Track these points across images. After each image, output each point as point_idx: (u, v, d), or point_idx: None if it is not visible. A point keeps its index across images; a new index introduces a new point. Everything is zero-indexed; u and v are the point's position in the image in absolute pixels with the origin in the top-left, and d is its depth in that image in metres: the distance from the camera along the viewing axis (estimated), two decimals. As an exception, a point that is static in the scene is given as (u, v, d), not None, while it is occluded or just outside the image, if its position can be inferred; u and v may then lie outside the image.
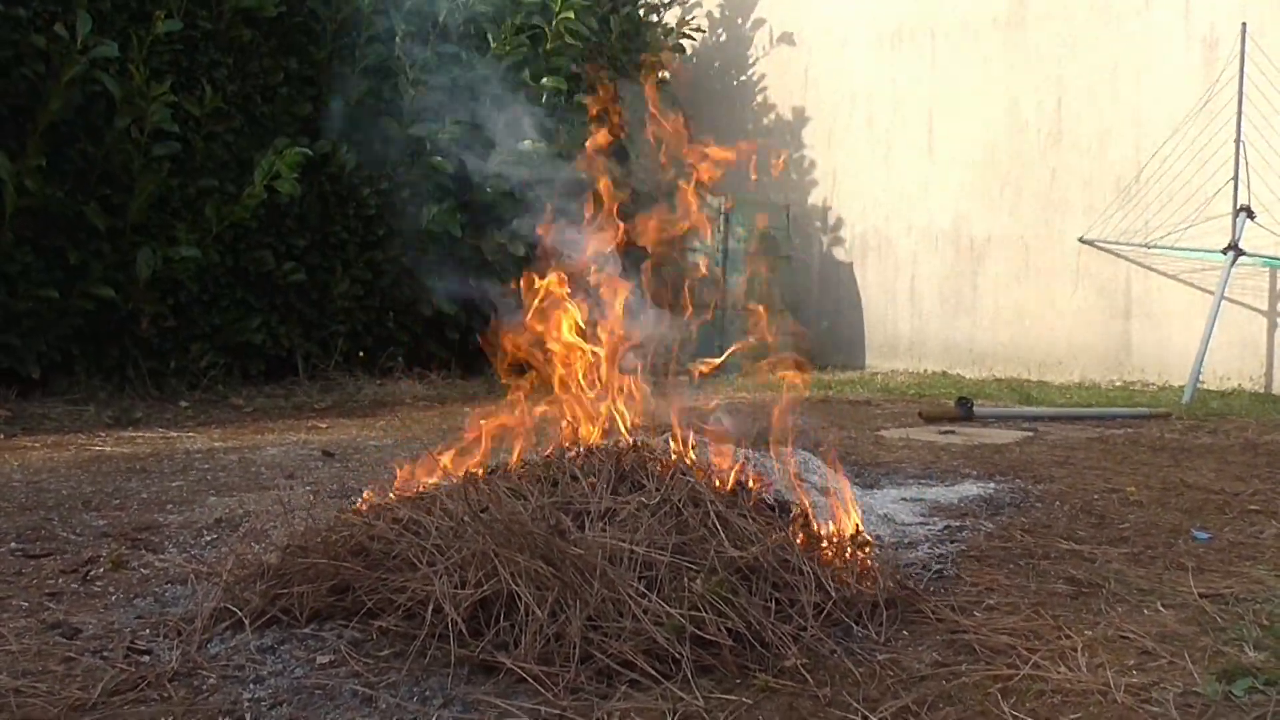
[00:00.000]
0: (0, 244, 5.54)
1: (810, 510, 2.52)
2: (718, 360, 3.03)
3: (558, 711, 1.84)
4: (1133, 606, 2.43)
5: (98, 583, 2.60)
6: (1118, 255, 8.01)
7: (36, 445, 4.67)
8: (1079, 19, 8.17)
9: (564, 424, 2.84)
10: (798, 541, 2.37)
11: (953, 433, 5.38)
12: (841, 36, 9.41)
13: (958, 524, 3.26)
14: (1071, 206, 8.19)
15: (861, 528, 2.58)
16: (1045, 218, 8.35)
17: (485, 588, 2.10)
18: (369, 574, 2.23)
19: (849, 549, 2.42)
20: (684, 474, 2.47)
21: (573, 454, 2.61)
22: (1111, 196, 7.96)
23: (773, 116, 9.88)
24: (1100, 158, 8.09)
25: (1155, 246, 7.72)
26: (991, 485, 3.94)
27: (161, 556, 2.85)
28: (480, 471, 2.59)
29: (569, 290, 2.82)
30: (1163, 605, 2.43)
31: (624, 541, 2.18)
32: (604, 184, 2.90)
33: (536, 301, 2.80)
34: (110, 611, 2.38)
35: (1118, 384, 7.88)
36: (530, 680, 1.93)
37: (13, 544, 2.97)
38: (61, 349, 5.96)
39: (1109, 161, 8.04)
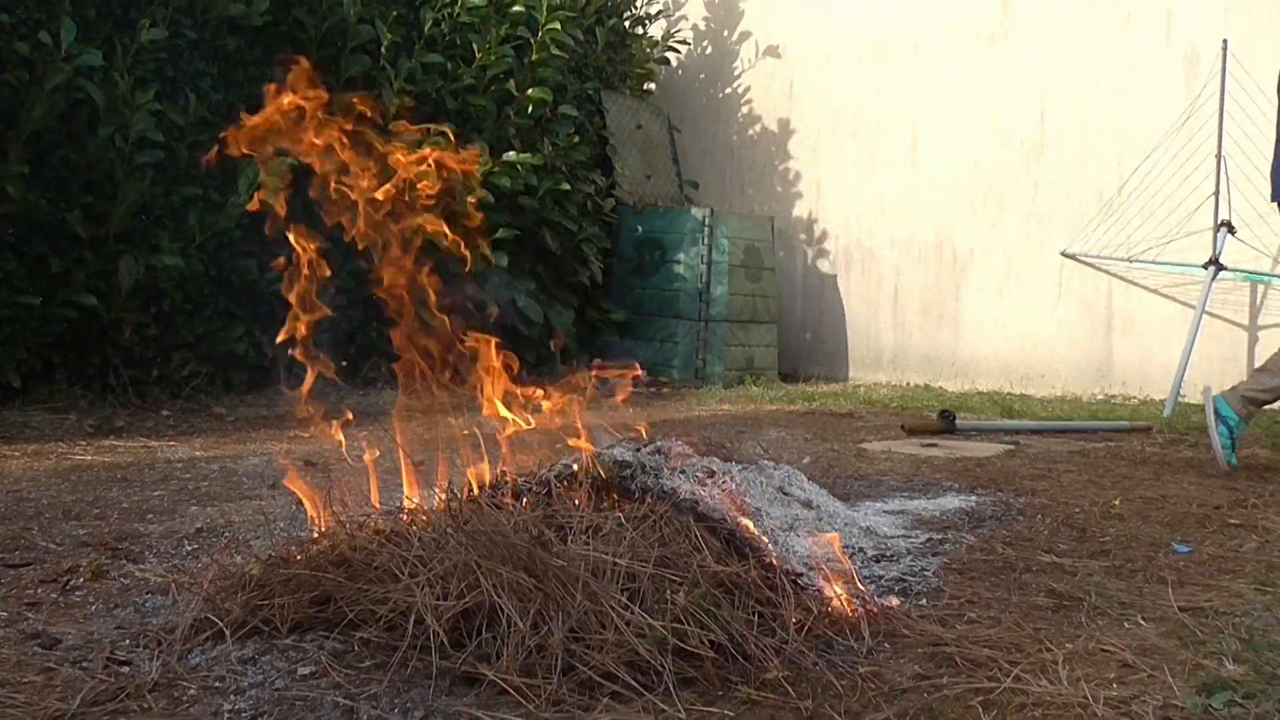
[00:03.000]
0: (-18, 251, 5.52)
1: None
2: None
3: (539, 723, 1.84)
4: (1113, 619, 2.44)
5: (77, 593, 2.59)
6: (1100, 269, 8.05)
7: (16, 454, 4.65)
8: (1061, 35, 8.21)
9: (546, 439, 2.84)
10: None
11: (935, 445, 5.39)
12: (826, 50, 9.44)
13: (939, 537, 3.27)
14: (1054, 220, 8.23)
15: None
16: (1028, 231, 8.38)
17: (467, 599, 2.10)
18: (350, 585, 2.23)
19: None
20: (665, 491, 2.47)
21: (556, 470, 2.61)
22: (1094, 210, 7.99)
23: (758, 129, 9.90)
24: (1083, 172, 8.12)
25: (1137, 261, 7.76)
26: (973, 498, 3.95)
27: (142, 566, 2.84)
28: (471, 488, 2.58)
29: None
30: (1143, 618, 2.44)
31: (607, 554, 2.18)
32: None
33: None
34: (90, 622, 2.37)
35: (1099, 397, 7.90)
36: (512, 692, 1.92)
37: (-8, 553, 2.95)
38: (42, 357, 5.93)
39: (1091, 175, 8.08)
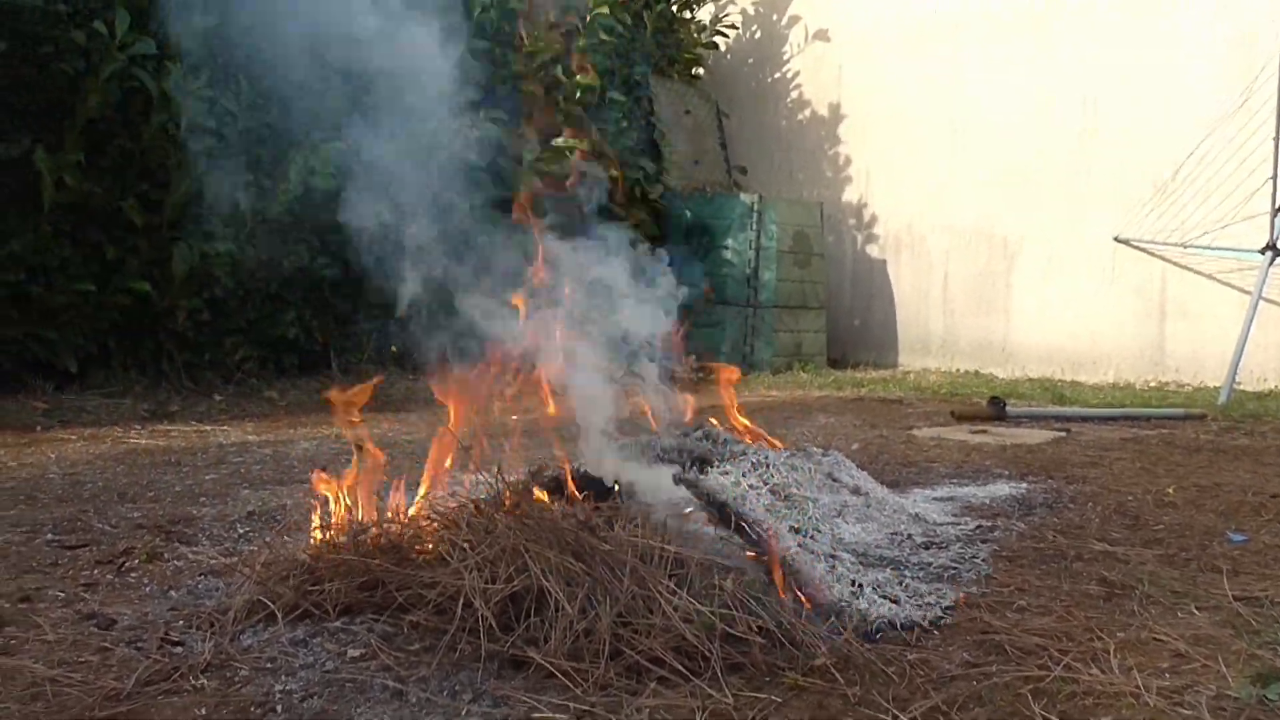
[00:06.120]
0: (39, 238, 5.59)
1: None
2: None
3: (587, 708, 1.84)
4: (1166, 608, 2.41)
5: (132, 574, 2.63)
6: (1153, 254, 7.94)
7: (73, 438, 4.71)
8: (1110, 16, 8.10)
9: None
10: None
11: (985, 432, 5.35)
12: (875, 34, 9.37)
13: (989, 524, 3.24)
14: (1105, 205, 8.12)
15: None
16: (1078, 216, 8.28)
17: (515, 583, 2.11)
18: (399, 570, 2.24)
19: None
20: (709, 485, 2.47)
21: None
22: (1146, 195, 7.89)
23: (807, 114, 9.85)
24: (1133, 156, 8.01)
25: (1191, 246, 7.66)
26: (1024, 485, 3.91)
27: (195, 549, 2.87)
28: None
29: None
30: (1196, 608, 2.41)
31: (655, 540, 2.19)
32: None
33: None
34: (145, 603, 2.40)
35: (1152, 384, 7.81)
36: (560, 676, 1.93)
37: (49, 535, 3.00)
38: (98, 342, 6.01)
39: (1143, 160, 7.96)
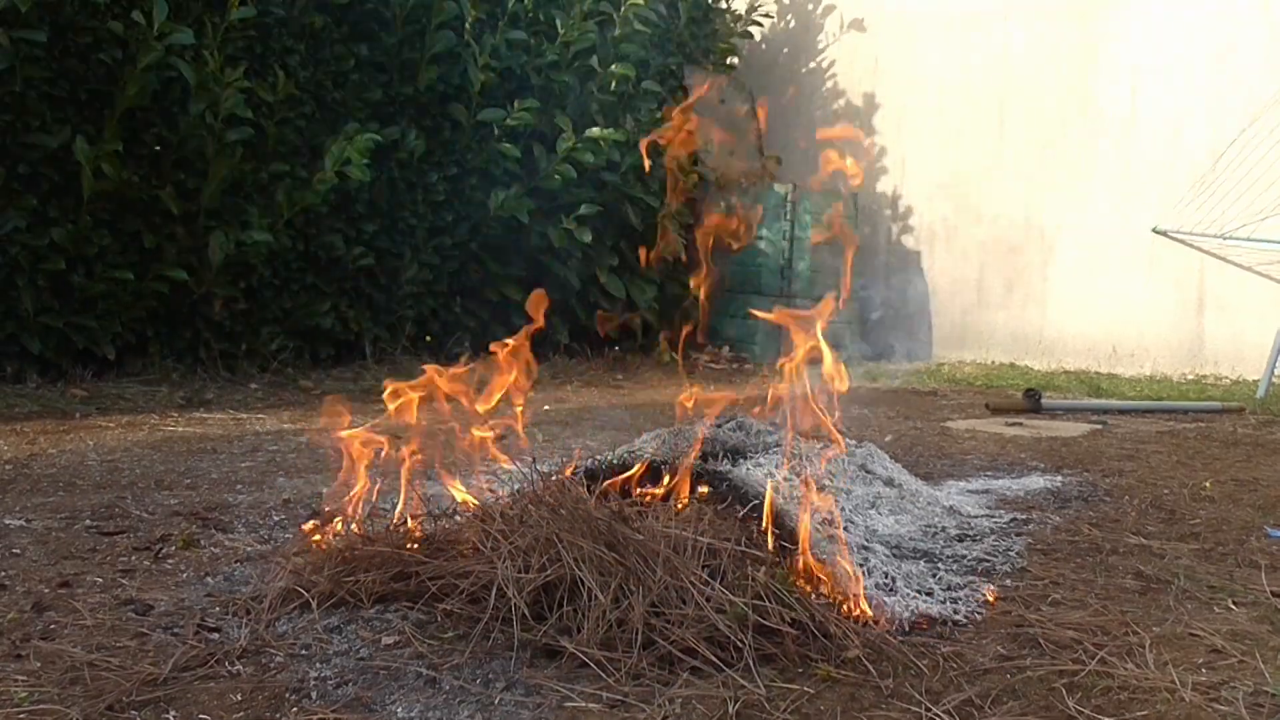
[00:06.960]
0: (78, 226, 5.64)
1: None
2: None
3: (619, 697, 1.85)
4: (1202, 603, 2.39)
5: (169, 561, 2.66)
6: (1192, 246, 7.87)
7: (111, 425, 4.76)
8: (1154, 5, 8.02)
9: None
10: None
11: (1020, 425, 5.33)
12: (912, 22, 9.31)
13: (1024, 517, 3.23)
14: (1145, 196, 8.05)
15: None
16: (1117, 207, 8.21)
17: (549, 572, 2.11)
18: (432, 560, 2.26)
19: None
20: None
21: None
22: (1186, 186, 7.81)
23: (842, 103, 9.80)
24: (1175, 146, 7.94)
25: (1231, 238, 7.58)
26: (1059, 478, 3.89)
27: (231, 536, 2.90)
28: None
29: None
30: (1234, 603, 2.39)
31: (687, 531, 2.19)
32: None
33: None
34: (181, 589, 2.43)
35: (1190, 377, 7.74)
36: (592, 665, 1.94)
37: (87, 521, 3.03)
38: (136, 330, 6.06)
39: (1184, 150, 7.89)
